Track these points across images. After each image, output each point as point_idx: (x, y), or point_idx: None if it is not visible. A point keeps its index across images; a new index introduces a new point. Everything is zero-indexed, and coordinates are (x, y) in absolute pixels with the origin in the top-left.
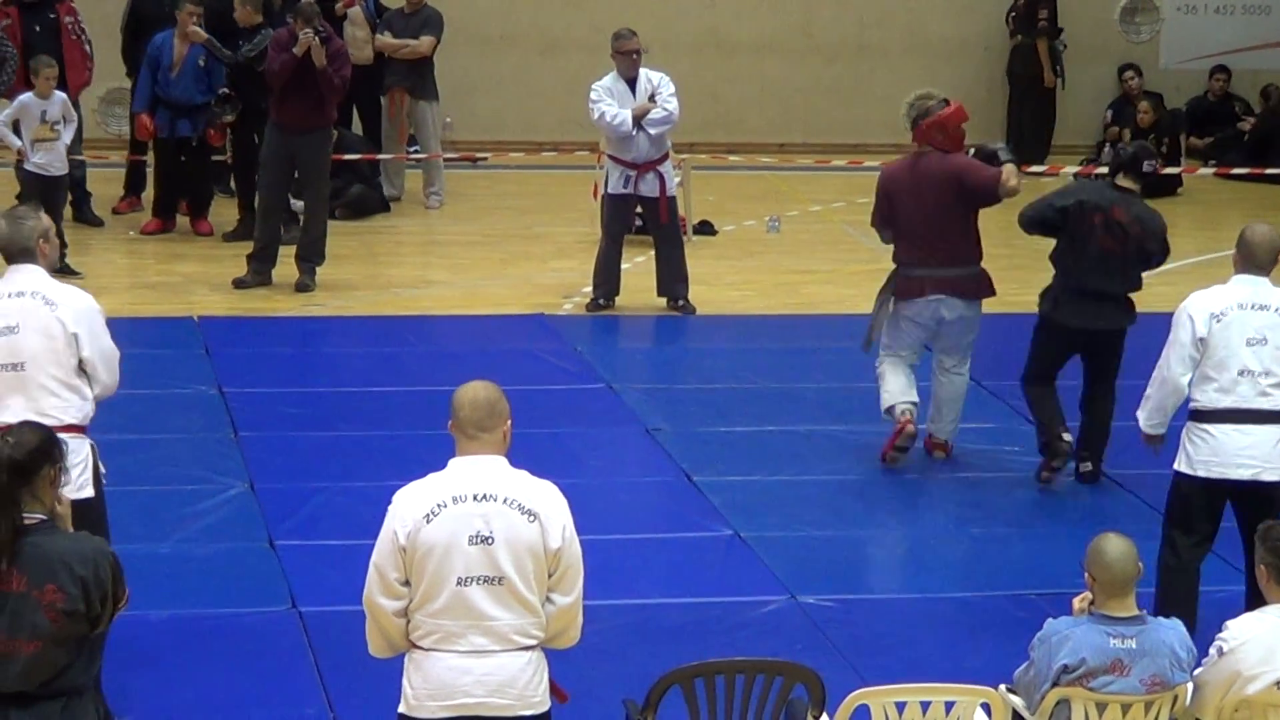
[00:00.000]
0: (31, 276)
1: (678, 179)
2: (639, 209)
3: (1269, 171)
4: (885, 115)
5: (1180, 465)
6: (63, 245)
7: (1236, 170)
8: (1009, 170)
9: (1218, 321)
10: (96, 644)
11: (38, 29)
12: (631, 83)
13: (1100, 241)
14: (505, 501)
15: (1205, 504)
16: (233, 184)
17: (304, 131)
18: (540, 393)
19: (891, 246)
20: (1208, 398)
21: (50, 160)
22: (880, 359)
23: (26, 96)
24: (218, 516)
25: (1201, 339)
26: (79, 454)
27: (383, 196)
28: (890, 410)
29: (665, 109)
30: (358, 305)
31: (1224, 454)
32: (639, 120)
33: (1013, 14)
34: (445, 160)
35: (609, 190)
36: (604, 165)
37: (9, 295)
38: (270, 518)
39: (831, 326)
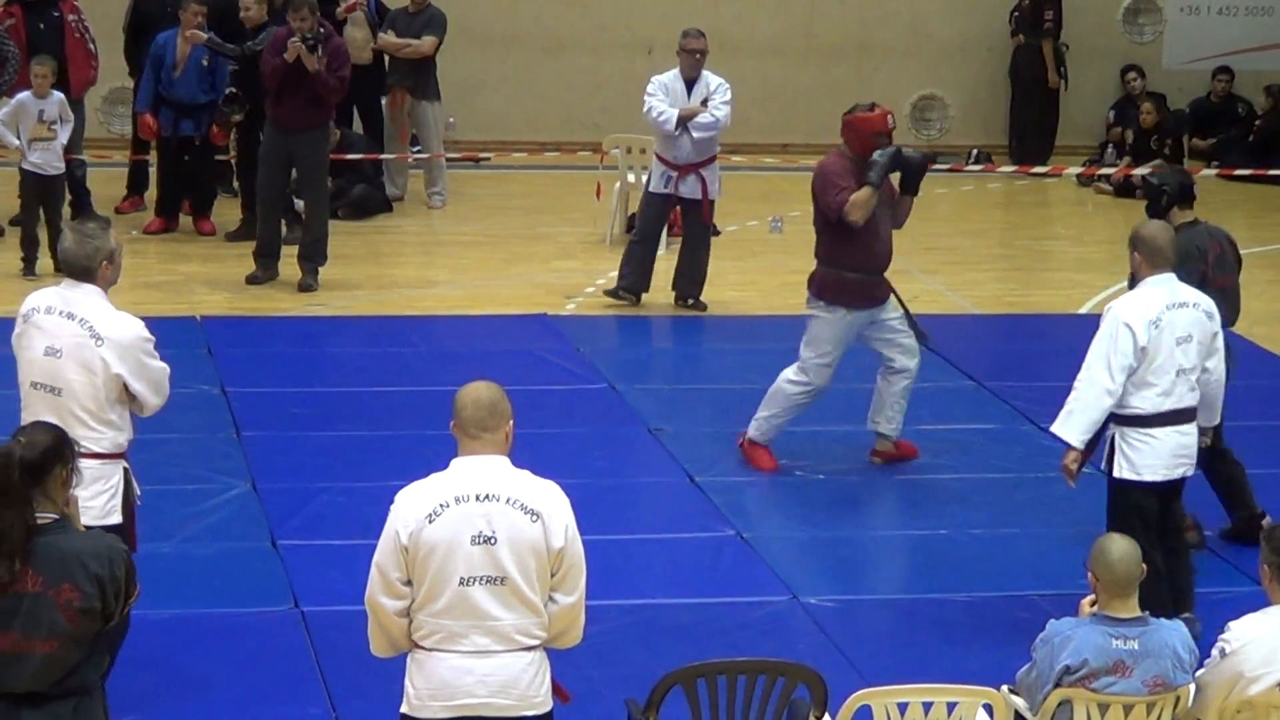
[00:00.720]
0: (86, 300)
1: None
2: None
3: (1272, 173)
4: None
5: (1123, 473)
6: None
7: (1239, 171)
8: (854, 199)
9: (1155, 328)
10: (107, 641)
11: (41, 27)
12: (691, 83)
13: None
14: (508, 501)
15: (1157, 504)
16: (235, 184)
17: (301, 130)
18: (543, 393)
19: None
20: (1151, 403)
21: (47, 159)
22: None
23: (24, 95)
24: (220, 516)
25: (1143, 348)
26: (109, 480)
27: (385, 196)
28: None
29: (713, 115)
30: (360, 305)
31: (1167, 455)
32: (685, 121)
33: (1015, 14)
34: (448, 160)
35: (649, 188)
36: (609, 157)
37: (61, 314)
38: (273, 517)
39: None
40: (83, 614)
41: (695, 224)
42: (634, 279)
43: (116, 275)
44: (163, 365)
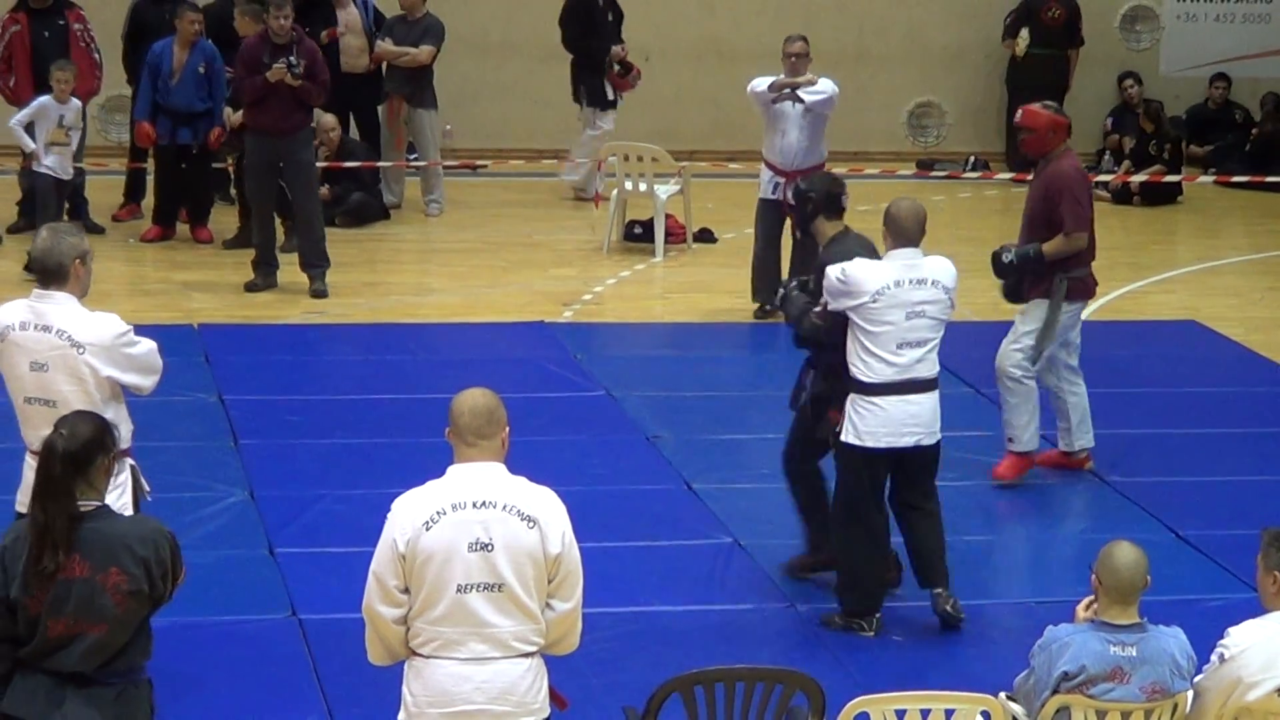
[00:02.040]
0: (57, 310)
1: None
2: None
3: (1269, 179)
4: (885, 123)
5: (849, 437)
6: None
7: (1236, 178)
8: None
9: (878, 300)
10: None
11: (46, 35)
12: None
13: None
14: (504, 508)
15: (879, 470)
16: (233, 191)
17: (285, 133)
18: (540, 400)
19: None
20: (877, 372)
21: (61, 164)
22: (1029, 376)
23: (45, 99)
24: (217, 524)
25: (872, 309)
26: (118, 476)
27: (383, 204)
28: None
29: (821, 91)
30: (358, 313)
31: (892, 424)
32: (780, 90)
33: (1010, 20)
34: (445, 168)
35: (760, 195)
36: (607, 165)
37: (36, 327)
38: (270, 525)
39: None
40: (131, 597)
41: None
42: (766, 292)
43: (88, 280)
44: (148, 345)
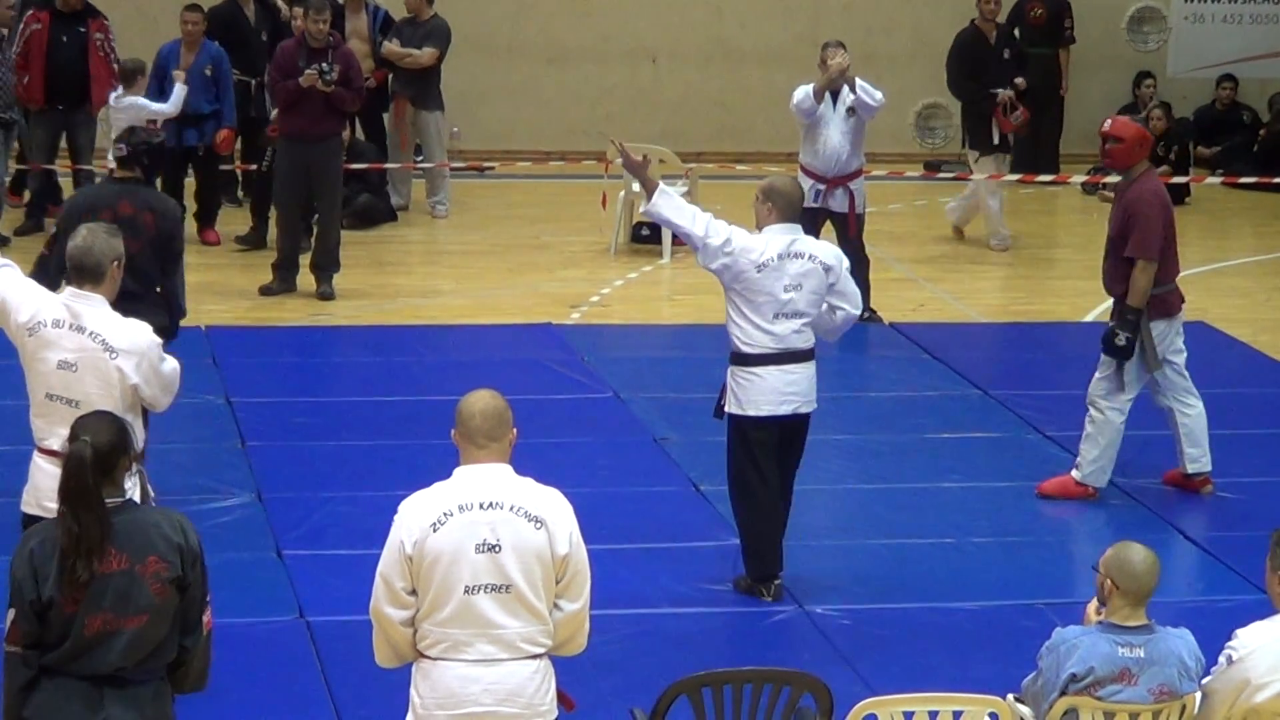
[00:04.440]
0: (93, 312)
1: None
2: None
3: (1277, 180)
4: (892, 124)
5: (733, 408)
6: None
7: (1244, 179)
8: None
9: (759, 271)
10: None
11: (65, 39)
12: (835, 93)
13: None
14: (512, 509)
15: (766, 439)
16: (240, 193)
17: (316, 140)
18: (548, 402)
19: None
20: (752, 342)
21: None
22: (1112, 408)
23: (140, 99)
24: (225, 526)
25: (754, 279)
26: (130, 479)
27: (390, 206)
28: (1084, 483)
29: (869, 98)
30: (365, 315)
31: (770, 393)
32: (821, 93)
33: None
34: (452, 170)
35: None
36: (614, 166)
37: (70, 327)
38: (277, 527)
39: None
40: (169, 584)
41: (845, 238)
42: None
43: (119, 284)
44: (174, 365)
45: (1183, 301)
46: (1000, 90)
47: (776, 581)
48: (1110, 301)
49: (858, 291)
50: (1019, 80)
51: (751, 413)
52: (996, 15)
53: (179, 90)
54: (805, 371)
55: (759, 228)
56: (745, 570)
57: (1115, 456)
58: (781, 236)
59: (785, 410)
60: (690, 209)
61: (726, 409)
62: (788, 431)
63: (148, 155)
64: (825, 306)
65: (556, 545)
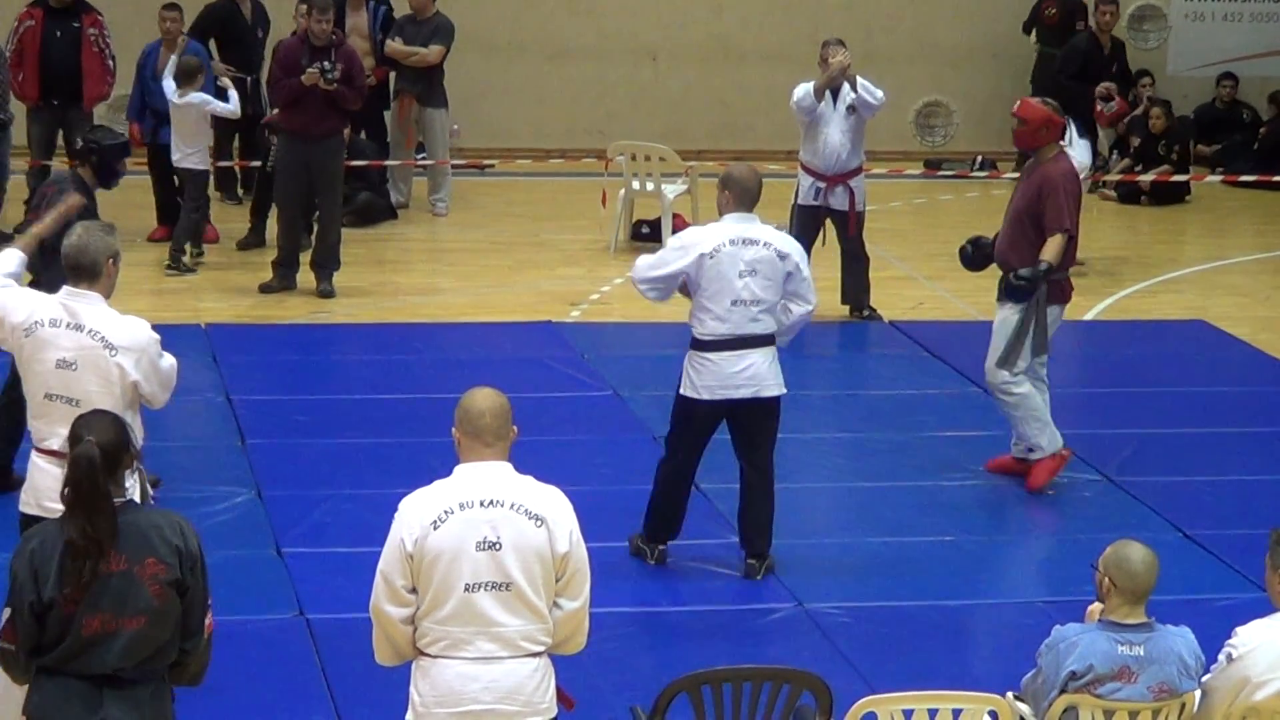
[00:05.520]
0: (91, 309)
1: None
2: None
3: (1277, 179)
4: (893, 122)
5: (686, 391)
6: None
7: (1244, 178)
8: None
9: (711, 259)
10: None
11: (59, 35)
12: (835, 91)
13: None
14: (512, 507)
15: (708, 422)
16: (240, 191)
17: (318, 138)
18: (548, 400)
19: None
20: (708, 329)
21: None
22: (1019, 383)
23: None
24: (225, 524)
25: (707, 265)
26: (129, 479)
27: (390, 204)
28: (1056, 453)
29: (870, 95)
30: (365, 312)
31: (725, 378)
32: (821, 91)
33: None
34: (453, 167)
35: (799, 200)
36: (614, 164)
37: (68, 325)
38: (277, 525)
39: (839, 334)
40: (169, 586)
41: (845, 236)
42: None
43: (115, 281)
44: (172, 362)
45: (1071, 291)
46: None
47: (662, 547)
48: (1111, 299)
49: (814, 289)
50: (1109, 84)
51: (705, 397)
52: (1113, 25)
53: (234, 96)
54: (761, 356)
55: (720, 215)
56: (642, 528)
57: (1049, 416)
58: (735, 225)
59: (742, 394)
60: (656, 262)
61: (681, 391)
62: (752, 415)
63: (96, 155)
64: (782, 306)
65: (557, 543)
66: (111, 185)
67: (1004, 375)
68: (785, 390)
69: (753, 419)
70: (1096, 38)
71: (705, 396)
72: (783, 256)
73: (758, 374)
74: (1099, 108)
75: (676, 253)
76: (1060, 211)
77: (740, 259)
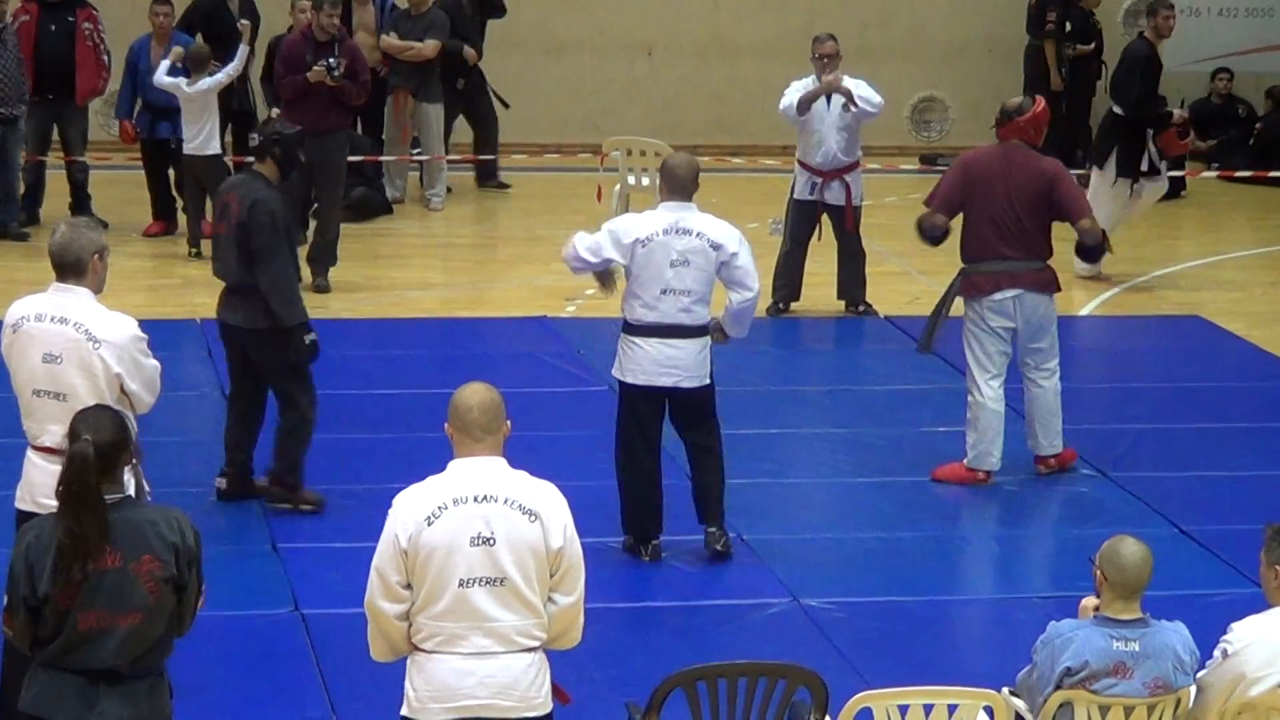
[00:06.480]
0: (76, 304)
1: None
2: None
3: (1273, 174)
4: (888, 117)
5: (615, 372)
6: None
7: (1240, 173)
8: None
9: (643, 246)
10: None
11: (53, 29)
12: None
13: None
14: (506, 502)
15: (649, 407)
16: None
17: (321, 134)
18: (543, 395)
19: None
20: (637, 314)
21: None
22: (975, 397)
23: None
24: (220, 519)
25: (639, 253)
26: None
27: (385, 199)
28: (973, 468)
29: (868, 104)
30: (360, 307)
31: (648, 363)
32: (809, 101)
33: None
34: (448, 162)
35: (795, 195)
36: (609, 159)
37: (52, 319)
38: (273, 521)
39: (835, 329)
40: (164, 583)
41: (842, 231)
42: (789, 290)
43: (104, 276)
44: (155, 364)
45: (995, 289)
46: (1175, 110)
47: (655, 542)
48: (1106, 295)
49: (755, 274)
50: (1181, 111)
51: (630, 380)
52: (1170, 33)
53: (242, 49)
54: (689, 347)
55: (656, 204)
56: (625, 531)
57: (998, 439)
58: (668, 214)
59: (664, 382)
60: (592, 246)
61: (612, 372)
62: (681, 405)
63: (279, 145)
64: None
65: (551, 538)
66: (291, 175)
67: (978, 379)
68: (709, 383)
69: (684, 405)
70: (1153, 46)
71: (630, 380)
72: (716, 247)
73: (681, 364)
74: (1177, 136)
75: (610, 239)
76: (1082, 195)
77: (672, 248)
